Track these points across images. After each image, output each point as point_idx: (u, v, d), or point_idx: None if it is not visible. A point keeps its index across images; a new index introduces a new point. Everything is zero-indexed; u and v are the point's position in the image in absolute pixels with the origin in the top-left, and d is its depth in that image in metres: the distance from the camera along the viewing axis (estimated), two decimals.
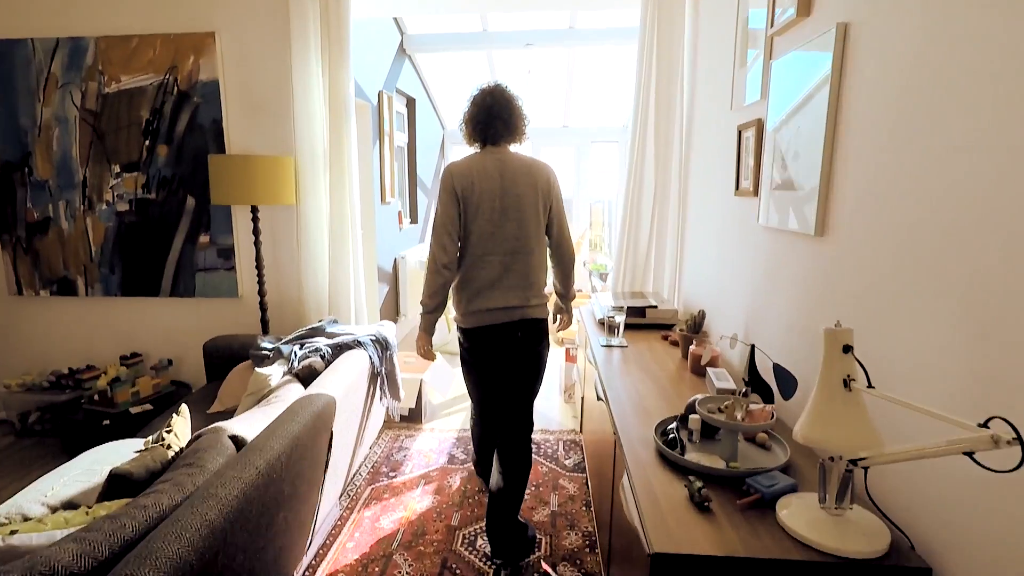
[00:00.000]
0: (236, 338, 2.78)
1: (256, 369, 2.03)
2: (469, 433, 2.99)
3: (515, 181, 1.92)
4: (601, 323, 2.34)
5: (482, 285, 1.92)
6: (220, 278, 3.06)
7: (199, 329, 3.12)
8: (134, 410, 2.76)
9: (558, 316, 2.27)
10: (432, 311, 1.99)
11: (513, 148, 2.03)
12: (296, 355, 2.19)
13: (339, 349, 2.24)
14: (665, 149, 2.77)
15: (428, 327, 2.03)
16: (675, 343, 2.16)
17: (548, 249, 2.07)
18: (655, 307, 2.39)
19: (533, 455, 2.71)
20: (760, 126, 1.77)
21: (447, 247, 1.91)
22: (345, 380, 2.03)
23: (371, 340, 2.33)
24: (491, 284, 1.92)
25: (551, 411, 3.33)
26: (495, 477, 2.00)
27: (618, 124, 6.83)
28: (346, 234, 2.88)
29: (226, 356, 2.71)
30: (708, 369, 1.70)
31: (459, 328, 2.02)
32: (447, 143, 7.08)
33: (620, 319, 2.12)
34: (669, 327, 2.40)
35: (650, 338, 2.28)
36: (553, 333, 2.36)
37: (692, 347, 1.84)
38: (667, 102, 2.73)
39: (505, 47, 4.97)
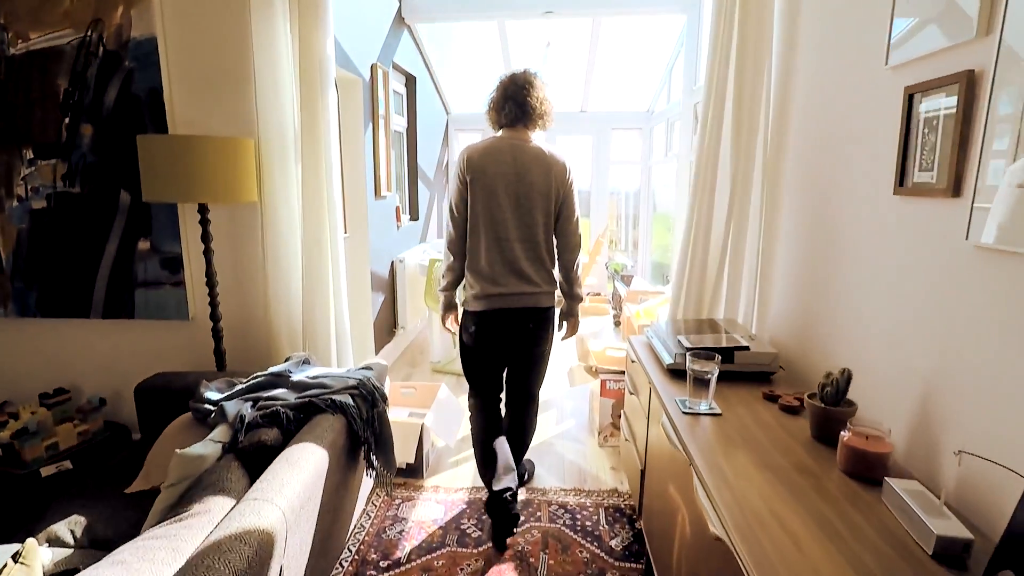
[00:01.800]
0: (180, 377, 2.10)
1: (177, 452, 1.37)
2: (482, 493, 2.34)
3: (529, 168, 1.93)
4: (675, 373, 1.68)
5: (493, 270, 1.95)
6: (165, 295, 2.38)
7: (140, 359, 2.45)
8: (45, 471, 2.11)
9: (563, 322, 2.18)
10: (445, 289, 2.10)
11: (533, 135, 2.00)
12: (244, 419, 1.53)
13: (307, 411, 1.58)
14: (748, 132, 2.08)
15: (446, 304, 2.15)
16: (789, 409, 1.50)
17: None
18: (747, 348, 1.71)
19: (568, 530, 2.09)
20: (971, 81, 1.10)
21: (458, 226, 2.00)
22: (310, 471, 1.36)
23: (353, 395, 1.67)
24: (502, 269, 1.94)
25: (584, 461, 2.66)
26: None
27: (642, 109, 6.12)
28: (324, 239, 2.21)
29: (165, 401, 2.05)
30: (893, 483, 1.03)
31: (467, 312, 2.04)
32: (451, 129, 6.36)
33: (713, 375, 1.45)
34: (767, 376, 1.73)
35: (745, 395, 1.60)
36: (558, 342, 2.18)
37: (848, 435, 1.17)
38: (754, 69, 2.03)
39: (520, 15, 4.26)
